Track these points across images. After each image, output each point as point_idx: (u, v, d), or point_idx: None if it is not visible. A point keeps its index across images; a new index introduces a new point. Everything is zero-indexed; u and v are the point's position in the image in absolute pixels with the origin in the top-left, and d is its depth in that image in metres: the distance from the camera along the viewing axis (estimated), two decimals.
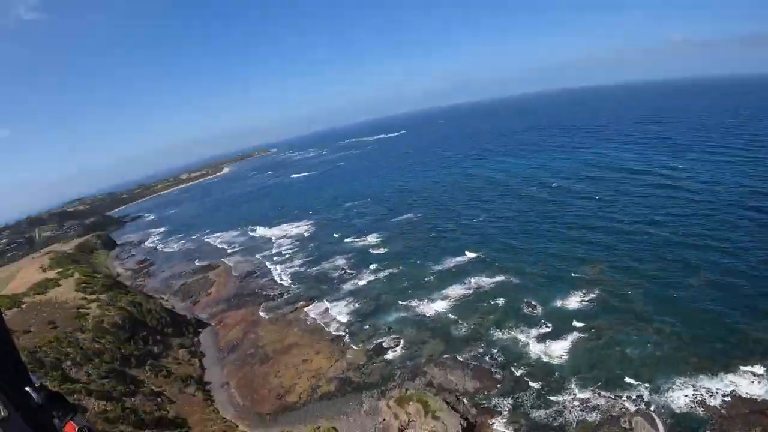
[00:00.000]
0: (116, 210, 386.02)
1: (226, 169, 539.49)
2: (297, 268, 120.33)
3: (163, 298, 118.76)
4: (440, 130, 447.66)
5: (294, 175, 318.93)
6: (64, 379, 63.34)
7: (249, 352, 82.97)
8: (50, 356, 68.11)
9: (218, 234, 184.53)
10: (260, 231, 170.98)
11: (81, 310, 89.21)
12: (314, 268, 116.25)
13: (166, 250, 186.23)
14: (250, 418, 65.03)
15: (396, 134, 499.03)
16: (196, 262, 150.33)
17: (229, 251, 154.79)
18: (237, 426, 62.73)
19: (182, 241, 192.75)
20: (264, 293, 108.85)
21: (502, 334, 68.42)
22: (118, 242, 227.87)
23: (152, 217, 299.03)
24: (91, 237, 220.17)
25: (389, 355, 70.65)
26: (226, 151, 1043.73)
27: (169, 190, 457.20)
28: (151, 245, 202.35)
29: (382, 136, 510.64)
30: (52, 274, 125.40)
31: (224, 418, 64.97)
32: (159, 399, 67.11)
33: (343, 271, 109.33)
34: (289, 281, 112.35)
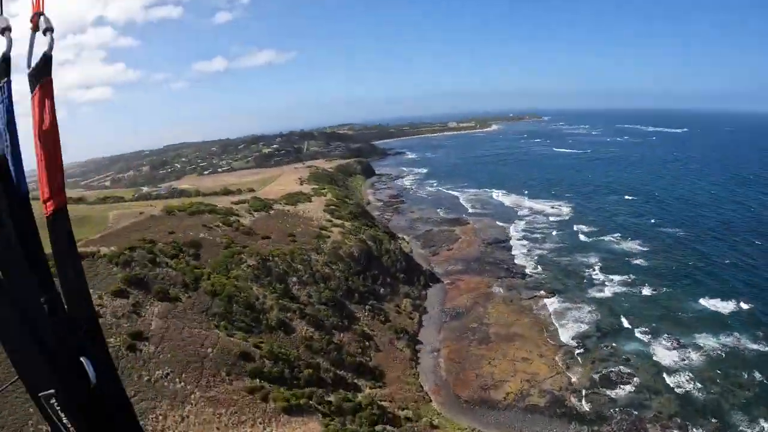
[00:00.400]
0: (381, 141, 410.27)
1: (494, 127, 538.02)
2: (545, 252, 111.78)
3: (404, 239, 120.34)
4: (728, 139, 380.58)
5: (558, 149, 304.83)
6: (284, 293, 65.83)
7: (472, 325, 77.86)
8: (280, 267, 71.24)
9: (471, 191, 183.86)
10: (513, 199, 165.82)
11: (323, 232, 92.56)
12: (563, 258, 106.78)
13: (419, 192, 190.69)
14: (446, 397, 60.16)
15: (678, 131, 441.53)
16: (442, 213, 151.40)
17: (475, 211, 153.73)
18: (430, 401, 58.97)
19: (435, 188, 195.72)
20: (505, 267, 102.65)
21: (745, 421, 53.80)
22: (377, 171, 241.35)
23: (413, 156, 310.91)
24: (353, 161, 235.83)
25: (615, 392, 59.97)
26: (492, 108, 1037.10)
27: (435, 134, 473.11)
28: (406, 184, 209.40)
29: (662, 129, 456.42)
30: (307, 188, 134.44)
31: (421, 387, 61.45)
32: (366, 343, 65.98)
33: (593, 272, 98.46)
34: (534, 264, 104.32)
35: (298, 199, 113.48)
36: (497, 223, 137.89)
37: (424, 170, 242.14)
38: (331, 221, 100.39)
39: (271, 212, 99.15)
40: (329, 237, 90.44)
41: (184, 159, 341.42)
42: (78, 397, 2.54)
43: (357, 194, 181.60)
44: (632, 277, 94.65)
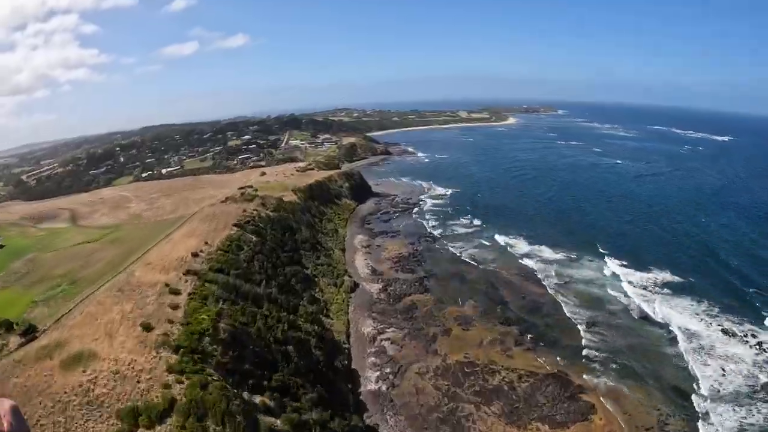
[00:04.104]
0: (382, 133, 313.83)
1: (512, 120, 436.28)
2: None
3: None
4: None
5: (617, 161, 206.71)
6: None
7: None
8: None
9: (552, 256, 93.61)
10: (660, 308, 73.14)
11: None
12: None
13: (450, 247, 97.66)
14: None
15: (722, 138, 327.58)
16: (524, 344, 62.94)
17: (594, 353, 62.04)
18: None
19: (478, 236, 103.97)
20: None
21: None
22: (375, 188, 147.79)
23: (426, 158, 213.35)
24: (338, 175, 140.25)
25: None
26: (490, 96, 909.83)
27: (445, 126, 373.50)
28: (423, 224, 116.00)
29: (705, 135, 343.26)
30: (182, 297, 42.63)
31: None
32: None
33: None
34: None
35: None
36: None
37: (448, 190, 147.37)
38: None
39: None
40: None
41: (133, 151, 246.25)
42: None
43: (335, 255, 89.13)
44: None
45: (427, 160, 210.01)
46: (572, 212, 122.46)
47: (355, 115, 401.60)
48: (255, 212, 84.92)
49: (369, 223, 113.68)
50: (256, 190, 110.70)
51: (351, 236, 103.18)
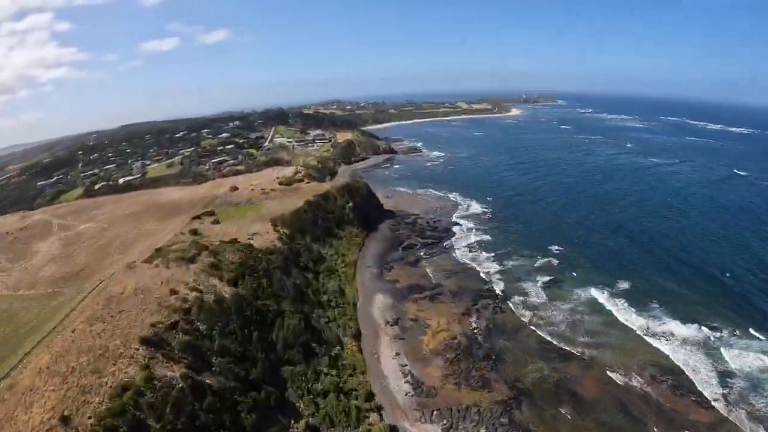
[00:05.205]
0: (380, 127, 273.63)
1: (515, 111, 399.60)
2: None
3: None
4: None
5: (671, 164, 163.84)
6: None
7: None
8: None
9: (659, 321, 58.93)
10: None
11: None
12: None
13: (520, 309, 60.57)
14: None
15: (743, 130, 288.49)
16: None
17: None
18: None
19: (546, 284, 67.36)
20: None
21: None
22: (386, 203, 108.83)
23: (437, 157, 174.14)
24: (338, 191, 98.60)
25: None
26: (475, 88, 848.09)
27: (447, 118, 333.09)
28: (463, 256, 78.68)
29: (724, 126, 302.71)
30: None
31: None
32: None
33: None
34: None
35: None
36: None
37: (483, 206, 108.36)
38: None
39: None
40: None
41: (95, 155, 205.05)
42: None
43: (346, 354, 49.87)
44: None
45: (439, 160, 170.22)
46: (673, 246, 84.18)
47: (348, 107, 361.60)
48: (196, 294, 45.14)
49: (389, 269, 74.53)
50: (217, 221, 72.09)
51: (366, 299, 63.92)
